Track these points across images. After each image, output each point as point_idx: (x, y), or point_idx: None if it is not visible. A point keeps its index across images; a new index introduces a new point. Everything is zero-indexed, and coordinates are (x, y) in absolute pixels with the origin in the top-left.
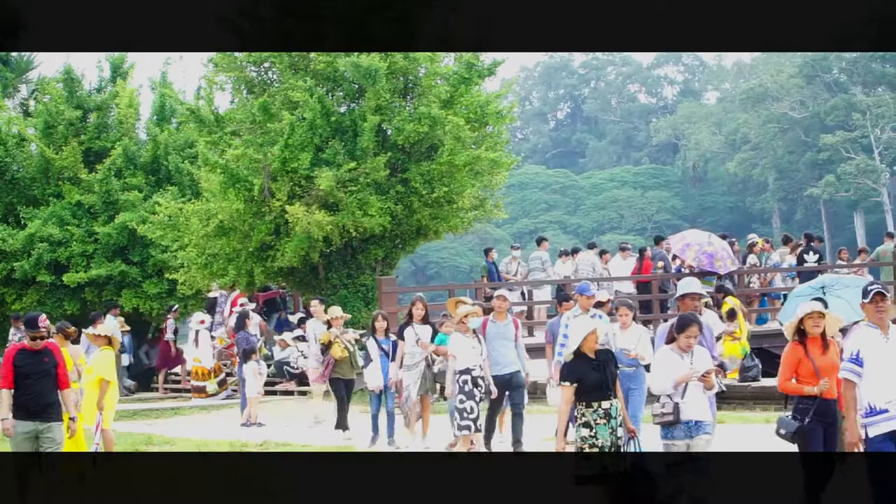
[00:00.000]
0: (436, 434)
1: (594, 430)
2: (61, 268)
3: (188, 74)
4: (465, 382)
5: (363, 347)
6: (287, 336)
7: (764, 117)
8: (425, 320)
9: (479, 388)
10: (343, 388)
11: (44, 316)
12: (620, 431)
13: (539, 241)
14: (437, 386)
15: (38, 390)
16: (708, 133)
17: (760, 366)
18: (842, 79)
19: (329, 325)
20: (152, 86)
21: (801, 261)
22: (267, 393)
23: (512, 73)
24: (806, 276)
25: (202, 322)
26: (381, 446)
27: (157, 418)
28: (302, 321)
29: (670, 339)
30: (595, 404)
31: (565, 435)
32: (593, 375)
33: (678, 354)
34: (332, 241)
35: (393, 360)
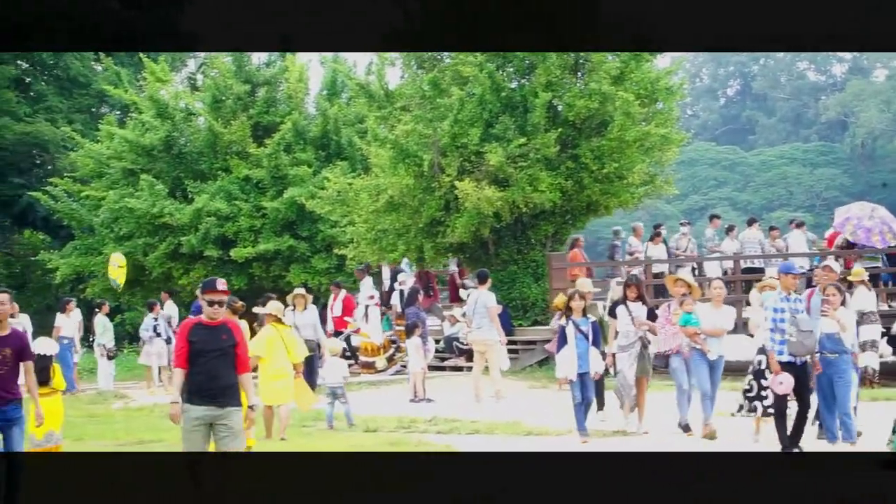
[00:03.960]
0: (654, 418)
1: None
2: (228, 242)
3: None
4: (760, 363)
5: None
6: (457, 311)
7: None
8: (640, 298)
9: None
10: None
11: (223, 280)
12: None
13: (711, 219)
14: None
15: (213, 370)
16: (876, 111)
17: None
18: None
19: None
20: (322, 60)
21: None
22: (436, 368)
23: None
24: None
25: (371, 297)
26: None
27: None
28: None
29: None
30: None
31: None
32: None
33: None
34: (502, 217)
35: (594, 343)
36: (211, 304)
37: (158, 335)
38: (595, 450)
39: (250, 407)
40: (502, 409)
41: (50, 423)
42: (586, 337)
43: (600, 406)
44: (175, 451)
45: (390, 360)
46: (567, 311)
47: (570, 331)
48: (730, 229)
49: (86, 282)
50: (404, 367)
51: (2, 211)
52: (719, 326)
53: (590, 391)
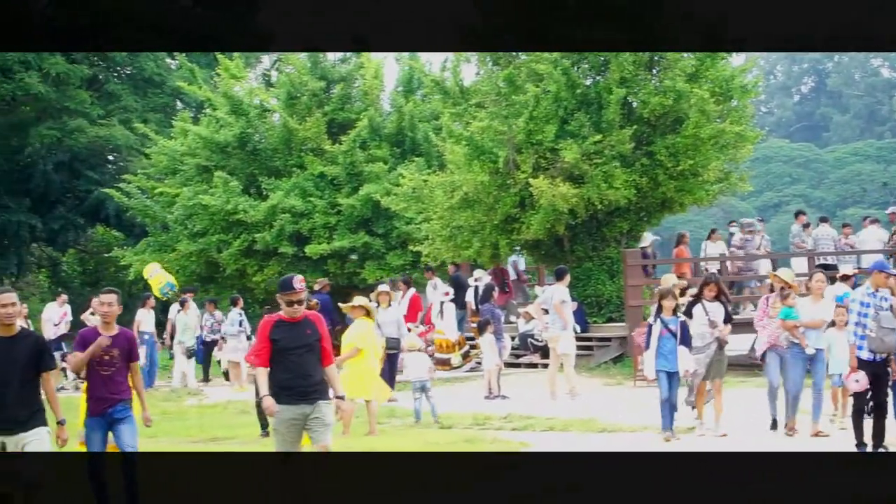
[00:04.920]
0: (732, 420)
1: None
2: (303, 239)
3: None
4: None
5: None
6: (531, 308)
7: None
8: (717, 298)
9: None
10: None
11: (300, 277)
12: None
13: (797, 215)
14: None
15: (301, 367)
16: None
17: None
18: None
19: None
20: (397, 57)
21: None
22: (511, 365)
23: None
24: None
25: (447, 294)
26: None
27: (398, 391)
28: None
29: None
30: None
31: None
32: None
33: None
34: (577, 214)
35: (683, 343)
36: (290, 304)
37: (241, 331)
38: (669, 449)
39: (339, 397)
40: (577, 405)
41: None
42: (674, 335)
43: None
44: (250, 449)
45: (465, 356)
46: (658, 309)
47: (657, 329)
48: (804, 227)
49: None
50: (479, 363)
51: (75, 208)
52: (819, 318)
53: (676, 390)
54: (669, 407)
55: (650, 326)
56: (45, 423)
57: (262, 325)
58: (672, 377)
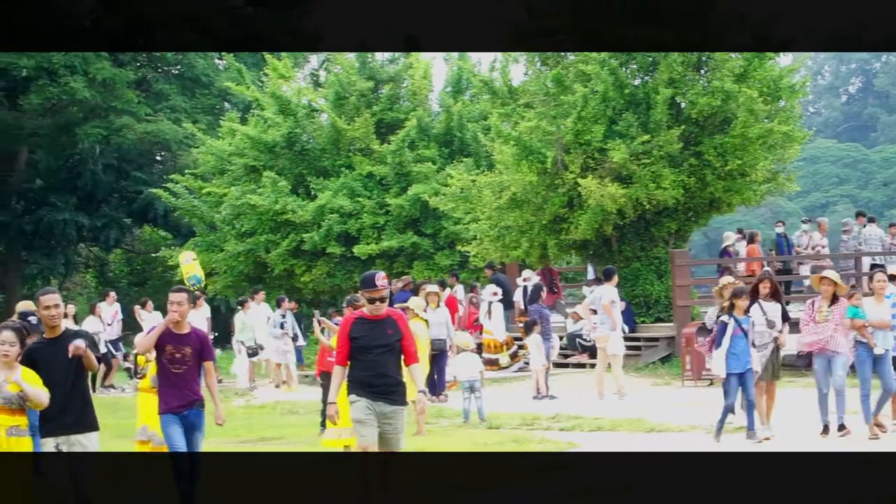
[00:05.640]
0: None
1: None
2: (351, 239)
3: None
4: None
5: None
6: (580, 308)
7: None
8: (774, 297)
9: None
10: None
11: (383, 273)
12: None
13: (858, 216)
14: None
15: (380, 367)
16: None
17: None
18: None
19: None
20: (446, 57)
21: None
22: (559, 365)
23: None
24: None
25: (495, 294)
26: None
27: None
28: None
29: None
30: None
31: None
32: None
33: None
34: (625, 214)
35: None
36: (372, 301)
37: (284, 332)
38: (715, 449)
39: (421, 391)
40: (625, 405)
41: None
42: (746, 335)
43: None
44: (298, 449)
45: (513, 356)
46: (730, 307)
47: (730, 328)
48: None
49: (207, 279)
50: (527, 363)
51: (123, 208)
52: (885, 319)
53: (751, 390)
54: (749, 408)
55: (723, 325)
56: (94, 425)
57: (342, 323)
58: (744, 377)
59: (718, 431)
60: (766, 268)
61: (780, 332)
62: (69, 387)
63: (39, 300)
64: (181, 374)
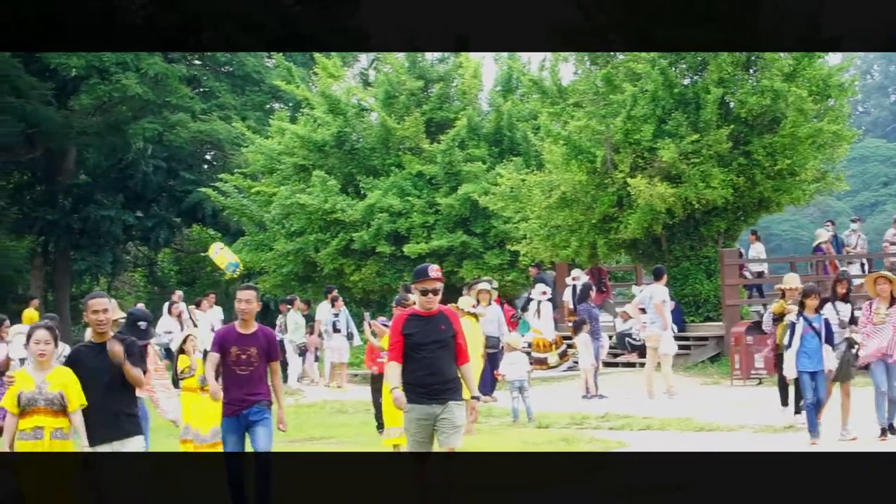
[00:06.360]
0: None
1: None
2: (401, 238)
3: None
4: None
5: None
6: (629, 307)
7: None
8: (847, 298)
9: None
10: None
11: (436, 266)
12: None
13: None
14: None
15: (434, 364)
16: None
17: None
18: None
19: (783, 294)
20: (496, 57)
21: None
22: (609, 365)
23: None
24: None
25: (544, 293)
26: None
27: (497, 389)
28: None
29: None
30: None
31: None
32: None
33: None
34: (674, 213)
35: (827, 340)
36: (425, 293)
37: (338, 331)
38: (766, 449)
39: (475, 397)
40: (674, 404)
41: (216, 421)
42: (818, 334)
43: (785, 403)
44: (346, 449)
45: (562, 356)
46: (800, 306)
47: (800, 328)
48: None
49: (256, 278)
50: (576, 363)
51: (172, 207)
52: None
53: (822, 390)
54: (816, 409)
55: (792, 325)
56: (135, 431)
57: (395, 320)
58: (815, 377)
59: (814, 431)
60: (843, 269)
61: (854, 331)
62: (110, 393)
63: (87, 304)
64: (247, 375)
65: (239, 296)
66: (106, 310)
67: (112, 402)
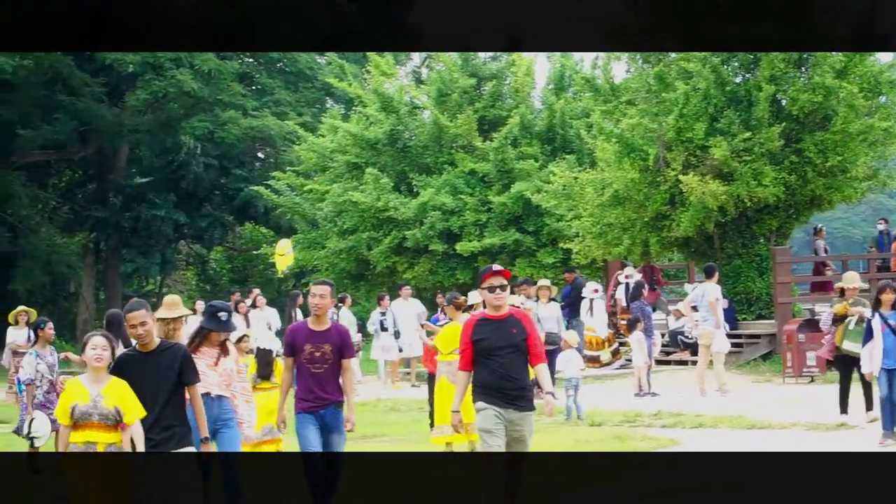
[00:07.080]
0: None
1: None
2: (454, 237)
3: None
4: None
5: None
6: (682, 305)
7: None
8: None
9: None
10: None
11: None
12: None
13: None
14: None
15: (507, 370)
16: None
17: None
18: None
19: (843, 293)
20: (548, 54)
21: None
22: (661, 362)
23: None
24: None
25: (596, 291)
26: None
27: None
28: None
29: None
30: None
31: None
32: None
33: None
34: (726, 211)
35: None
36: (492, 289)
37: (385, 329)
38: (819, 449)
39: (549, 393)
40: (726, 402)
41: (269, 418)
42: (894, 331)
43: (869, 405)
44: (398, 448)
45: (615, 354)
46: (875, 303)
47: (877, 324)
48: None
49: (308, 276)
50: (629, 361)
51: (224, 205)
52: None
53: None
54: (891, 406)
55: (869, 322)
56: (189, 442)
57: (464, 326)
58: (892, 374)
59: (888, 430)
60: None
61: None
62: (157, 403)
63: (126, 317)
64: (321, 373)
65: (313, 290)
66: (144, 322)
67: (167, 411)
